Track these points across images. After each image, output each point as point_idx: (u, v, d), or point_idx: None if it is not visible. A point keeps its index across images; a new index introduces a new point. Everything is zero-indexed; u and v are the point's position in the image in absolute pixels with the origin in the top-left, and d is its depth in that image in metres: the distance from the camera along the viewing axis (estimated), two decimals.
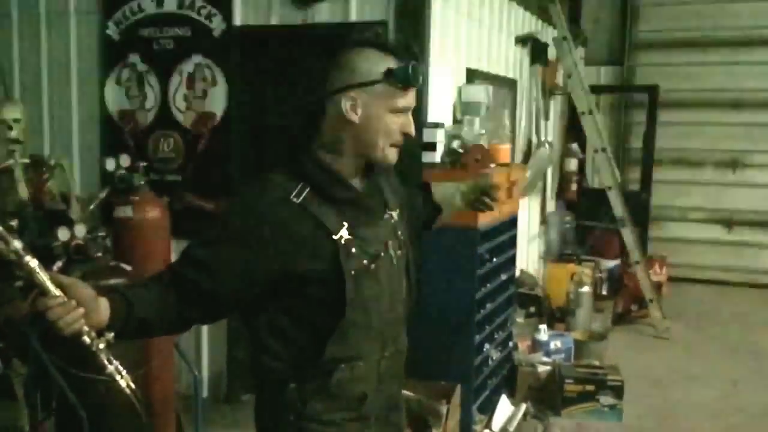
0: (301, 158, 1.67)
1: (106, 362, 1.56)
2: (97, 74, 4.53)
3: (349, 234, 1.65)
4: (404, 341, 1.88)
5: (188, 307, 1.64)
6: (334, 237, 1.63)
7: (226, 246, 1.63)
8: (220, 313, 1.73)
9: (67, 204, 3.62)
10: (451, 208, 2.20)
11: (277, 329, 1.69)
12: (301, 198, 1.62)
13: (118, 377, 1.58)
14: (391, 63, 1.62)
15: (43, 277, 1.47)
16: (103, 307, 1.52)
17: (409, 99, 1.67)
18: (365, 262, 1.67)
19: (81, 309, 1.48)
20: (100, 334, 1.53)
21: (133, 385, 1.61)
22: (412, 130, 1.70)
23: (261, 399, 1.81)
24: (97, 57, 4.53)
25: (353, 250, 1.65)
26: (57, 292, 1.47)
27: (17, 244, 1.48)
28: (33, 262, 1.48)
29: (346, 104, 1.62)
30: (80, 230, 3.13)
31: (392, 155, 1.69)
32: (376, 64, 1.62)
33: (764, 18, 7.68)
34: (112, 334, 1.55)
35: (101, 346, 1.53)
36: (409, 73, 1.62)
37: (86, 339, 1.50)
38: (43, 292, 1.47)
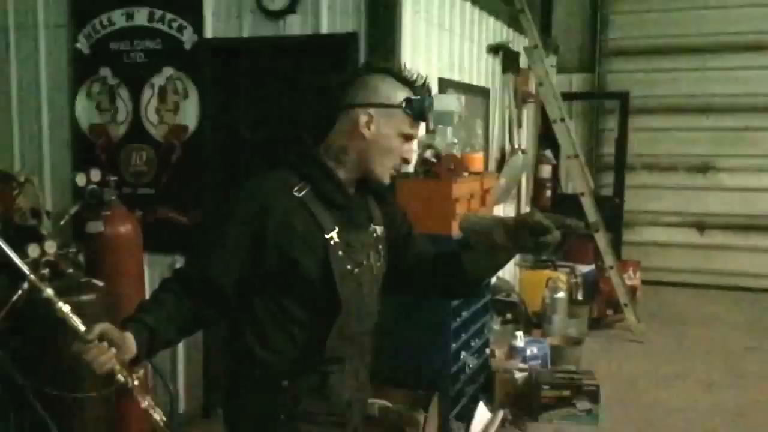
0: (306, 159, 1.78)
1: (140, 398, 1.63)
2: (67, 88, 4.49)
3: (338, 237, 1.74)
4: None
5: (204, 308, 1.73)
6: (326, 236, 1.72)
7: (231, 229, 1.73)
8: (232, 307, 1.79)
9: (37, 220, 3.58)
10: (490, 247, 1.74)
11: (281, 323, 1.75)
12: (302, 194, 1.74)
13: (152, 411, 1.65)
14: (408, 94, 1.77)
15: (76, 321, 1.56)
16: (130, 343, 1.59)
17: (417, 129, 1.81)
18: (349, 266, 1.75)
19: (113, 349, 1.55)
20: (129, 368, 1.61)
21: (165, 419, 1.68)
22: (413, 157, 1.85)
23: (245, 401, 1.81)
24: (67, 71, 4.49)
25: (340, 252, 1.74)
26: (90, 335, 1.54)
27: (49, 291, 1.56)
28: (65, 308, 1.56)
29: (362, 119, 1.74)
30: (51, 246, 3.11)
31: (387, 176, 1.81)
32: (398, 92, 1.77)
33: (730, 25, 7.81)
34: (142, 371, 1.64)
35: (136, 383, 1.61)
36: (425, 108, 1.78)
37: (120, 378, 1.58)
38: (77, 335, 1.55)
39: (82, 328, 1.54)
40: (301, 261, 1.70)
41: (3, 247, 1.58)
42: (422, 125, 1.86)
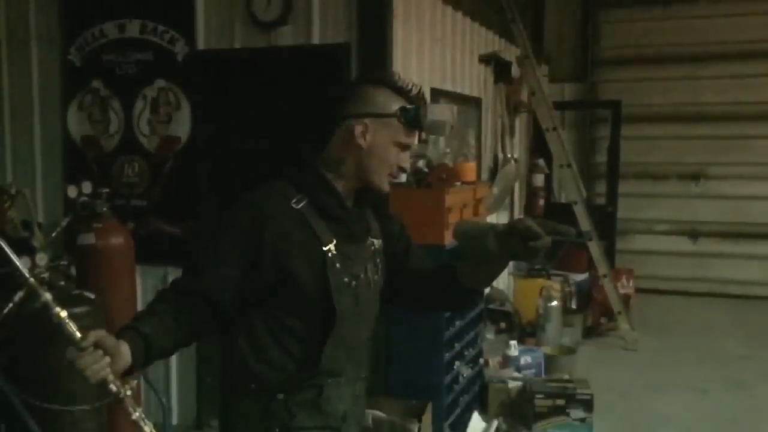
0: (304, 171, 1.78)
1: (131, 409, 1.60)
2: (59, 100, 4.49)
3: (336, 249, 1.74)
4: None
5: (200, 319, 1.72)
6: (324, 248, 1.72)
7: (228, 240, 1.73)
8: (228, 319, 1.78)
9: (29, 232, 3.57)
10: (482, 253, 1.72)
11: (277, 335, 1.75)
12: (300, 206, 1.74)
13: (142, 424, 1.62)
14: (403, 104, 1.77)
15: (72, 327, 1.53)
16: (125, 352, 1.57)
17: (412, 138, 1.81)
18: (346, 279, 1.75)
19: (107, 357, 1.53)
20: (123, 378, 1.59)
21: (155, 431, 1.66)
22: (408, 166, 1.85)
23: (240, 414, 1.80)
24: (59, 83, 4.48)
25: (337, 265, 1.73)
26: (85, 342, 1.52)
27: (48, 296, 1.54)
28: (62, 313, 1.54)
29: (358, 129, 1.74)
30: (42, 259, 3.10)
31: (387, 184, 1.81)
32: (393, 101, 1.76)
33: (721, 34, 7.87)
34: (136, 381, 1.62)
35: (128, 393, 1.58)
36: (420, 116, 1.78)
37: (112, 387, 1.55)
38: (72, 341, 1.52)
39: (77, 334, 1.53)
40: (298, 273, 1.70)
41: (5, 250, 1.57)
42: (417, 133, 1.85)
